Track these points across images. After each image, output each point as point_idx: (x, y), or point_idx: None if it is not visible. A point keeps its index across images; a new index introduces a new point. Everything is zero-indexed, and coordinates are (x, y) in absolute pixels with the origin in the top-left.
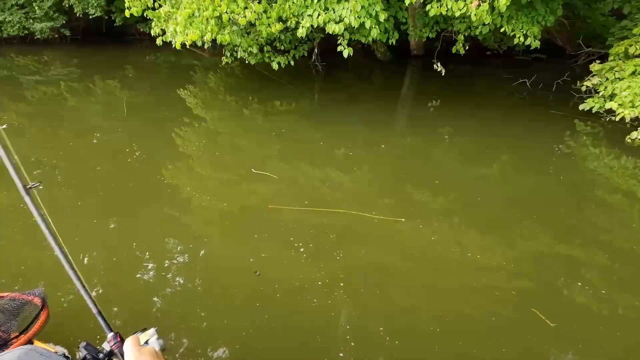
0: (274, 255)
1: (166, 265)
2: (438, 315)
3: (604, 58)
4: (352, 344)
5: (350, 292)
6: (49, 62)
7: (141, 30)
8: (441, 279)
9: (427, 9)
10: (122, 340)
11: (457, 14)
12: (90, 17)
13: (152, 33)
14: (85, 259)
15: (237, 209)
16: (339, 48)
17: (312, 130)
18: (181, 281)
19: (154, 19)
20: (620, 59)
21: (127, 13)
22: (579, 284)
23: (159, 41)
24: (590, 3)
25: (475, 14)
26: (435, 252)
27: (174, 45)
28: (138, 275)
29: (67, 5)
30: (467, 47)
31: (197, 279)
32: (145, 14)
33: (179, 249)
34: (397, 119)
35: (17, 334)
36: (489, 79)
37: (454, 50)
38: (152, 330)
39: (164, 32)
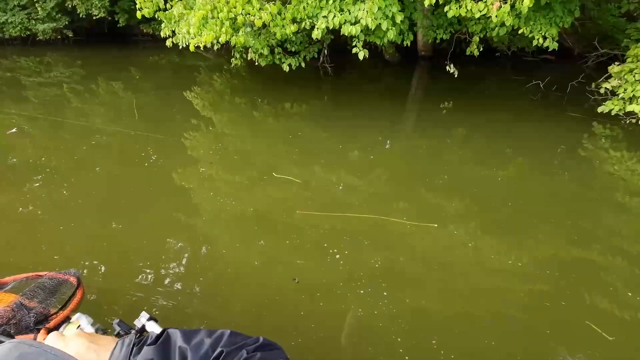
0: (310, 262)
1: (201, 276)
2: (489, 326)
3: (614, 59)
4: (407, 357)
5: (395, 302)
6: (52, 64)
7: (145, 31)
8: (486, 288)
9: (445, 10)
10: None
11: (477, 15)
12: (94, 17)
13: (162, 34)
14: (120, 263)
15: (265, 215)
16: (354, 50)
17: (326, 132)
18: (220, 292)
19: (164, 21)
20: (639, 61)
21: (138, 15)
22: (629, 294)
23: (168, 42)
24: (600, 4)
25: (496, 16)
26: (475, 259)
27: (181, 47)
28: (170, 284)
29: (69, 6)
30: (481, 49)
31: (235, 286)
32: (156, 15)
33: (211, 258)
34: (408, 121)
35: (56, 310)
36: (498, 80)
37: (468, 52)
38: (76, 316)
39: (173, 34)
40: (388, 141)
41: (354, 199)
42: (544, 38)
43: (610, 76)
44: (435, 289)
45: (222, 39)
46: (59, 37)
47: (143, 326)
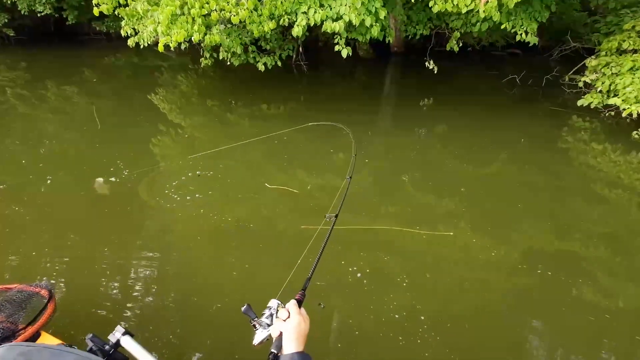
0: (331, 282)
1: (204, 304)
2: (538, 346)
3: (577, 52)
4: None
5: (436, 327)
6: None
7: (97, 29)
8: (527, 305)
9: (430, 5)
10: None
11: (464, 10)
12: (39, 15)
13: (122, 33)
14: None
15: (267, 231)
16: (337, 47)
17: (309, 135)
18: (230, 322)
19: (125, 18)
20: (613, 54)
21: (95, 11)
22: None
23: (130, 42)
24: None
25: (483, 11)
26: (507, 270)
27: (142, 47)
28: (161, 309)
29: (9, 2)
30: (460, 44)
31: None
32: (116, 12)
33: (214, 284)
34: (386, 120)
35: (25, 325)
36: (471, 75)
37: (448, 47)
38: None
39: (135, 32)
40: (371, 142)
41: (356, 207)
42: (526, 33)
43: (581, 68)
44: (490, 308)
45: (196, 38)
46: None
47: (118, 341)
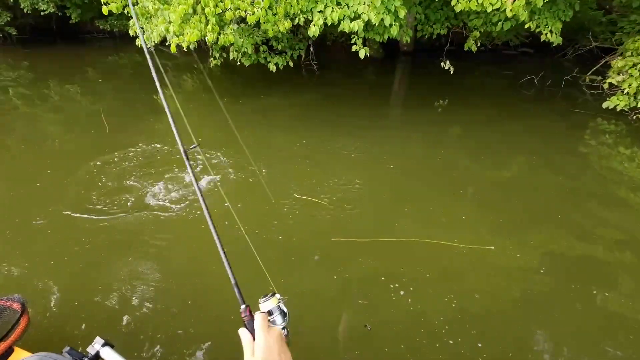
0: (374, 302)
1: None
2: None
3: (590, 52)
4: None
5: (498, 356)
6: None
7: (101, 27)
8: (594, 334)
9: (452, 3)
10: (252, 315)
11: (490, 9)
12: (42, 13)
13: (131, 33)
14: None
15: (298, 243)
16: (354, 48)
17: (326, 139)
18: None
19: (133, 17)
20: (639, 54)
21: (104, 10)
22: None
23: (139, 42)
24: None
25: (510, 10)
26: (564, 290)
27: (149, 46)
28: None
29: (11, 1)
30: (479, 44)
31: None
32: (125, 11)
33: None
34: (398, 119)
35: None
36: (482, 75)
37: (466, 47)
38: (278, 296)
39: (143, 31)
40: (385, 147)
41: (384, 217)
42: (551, 33)
43: (599, 68)
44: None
45: (210, 38)
46: (0, 35)
47: (97, 353)
